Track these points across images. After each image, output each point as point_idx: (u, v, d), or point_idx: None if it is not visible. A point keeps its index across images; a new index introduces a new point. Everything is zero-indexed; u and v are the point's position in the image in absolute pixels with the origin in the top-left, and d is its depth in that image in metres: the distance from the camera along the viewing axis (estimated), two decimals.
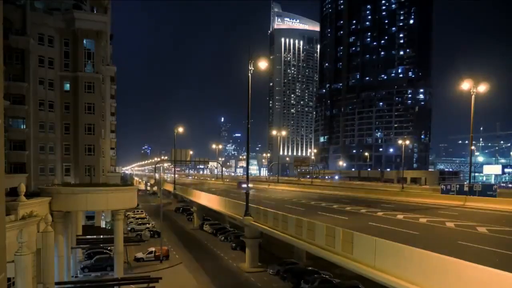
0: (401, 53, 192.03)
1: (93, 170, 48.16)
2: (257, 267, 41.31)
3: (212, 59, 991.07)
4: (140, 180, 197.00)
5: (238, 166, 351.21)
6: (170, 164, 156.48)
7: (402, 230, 25.95)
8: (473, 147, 71.36)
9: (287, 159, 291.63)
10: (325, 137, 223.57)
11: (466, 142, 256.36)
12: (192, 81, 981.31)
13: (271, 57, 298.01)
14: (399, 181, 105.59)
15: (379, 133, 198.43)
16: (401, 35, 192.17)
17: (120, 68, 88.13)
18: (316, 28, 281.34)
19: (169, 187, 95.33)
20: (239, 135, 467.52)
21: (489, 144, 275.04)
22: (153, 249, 45.12)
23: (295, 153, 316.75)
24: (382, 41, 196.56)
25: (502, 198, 42.25)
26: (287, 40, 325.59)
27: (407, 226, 28.02)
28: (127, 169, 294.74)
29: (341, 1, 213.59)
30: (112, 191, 31.61)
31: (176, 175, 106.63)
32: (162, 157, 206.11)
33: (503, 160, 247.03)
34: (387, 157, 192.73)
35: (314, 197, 55.90)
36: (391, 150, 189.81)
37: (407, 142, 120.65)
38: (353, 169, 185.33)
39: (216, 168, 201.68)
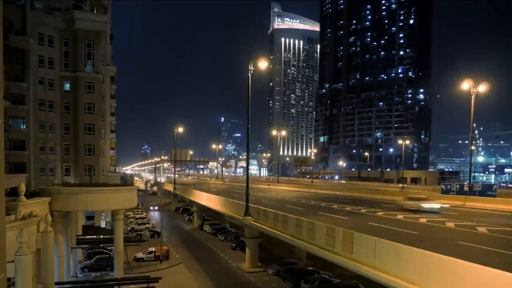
0: (401, 53, 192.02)
1: (93, 170, 48.15)
2: (257, 267, 41.31)
3: (212, 58, 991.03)
4: (140, 180, 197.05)
5: (238, 166, 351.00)
6: (170, 164, 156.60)
7: (402, 230, 25.94)
8: (473, 147, 71.39)
9: (287, 159, 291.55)
10: (325, 137, 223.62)
11: (466, 142, 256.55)
12: (192, 81, 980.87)
13: (271, 57, 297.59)
14: (399, 181, 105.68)
15: (379, 133, 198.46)
16: (401, 35, 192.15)
17: (120, 68, 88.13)
18: (316, 28, 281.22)
19: (169, 187, 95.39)
20: (239, 135, 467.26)
21: (489, 144, 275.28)
22: (153, 249, 45.13)
23: (295, 153, 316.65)
24: (382, 41, 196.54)
25: (502, 198, 42.24)
26: (287, 40, 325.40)
27: (407, 226, 28.02)
28: (127, 169, 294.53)
29: (341, 1, 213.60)
30: (112, 191, 31.66)
31: (176, 175, 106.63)
32: (162, 157, 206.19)
33: (503, 160, 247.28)
34: (387, 157, 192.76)
35: (314, 197, 55.88)
36: (391, 150, 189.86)
37: (407, 142, 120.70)
38: (353, 169, 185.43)
39: (216, 168, 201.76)
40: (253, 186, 69.93)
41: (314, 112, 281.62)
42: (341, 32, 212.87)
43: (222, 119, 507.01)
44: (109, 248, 41.38)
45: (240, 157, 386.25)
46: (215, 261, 45.45)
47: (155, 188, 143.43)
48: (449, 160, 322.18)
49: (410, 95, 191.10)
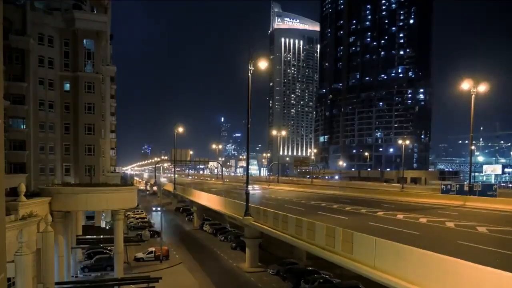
0: (401, 53, 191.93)
1: (93, 170, 48.16)
2: (257, 267, 41.31)
3: (212, 58, 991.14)
4: (140, 180, 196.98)
5: (238, 166, 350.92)
6: (170, 164, 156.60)
7: (402, 230, 25.93)
8: (473, 147, 71.31)
9: (287, 159, 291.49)
10: (325, 137, 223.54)
11: (466, 142, 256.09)
12: (192, 81, 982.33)
13: (271, 57, 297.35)
14: (399, 181, 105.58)
15: (379, 133, 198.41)
16: (401, 35, 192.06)
17: (120, 68, 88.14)
18: (316, 28, 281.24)
19: (169, 187, 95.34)
20: (239, 135, 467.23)
21: (489, 144, 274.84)
22: (153, 249, 45.13)
23: (295, 153, 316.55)
24: (382, 41, 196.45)
25: (502, 198, 42.23)
26: (287, 40, 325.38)
27: (407, 226, 28.00)
28: (127, 169, 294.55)
29: (341, 1, 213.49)
30: (112, 191, 31.65)
31: (176, 175, 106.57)
32: (162, 157, 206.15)
33: (503, 160, 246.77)
34: (387, 157, 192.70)
35: (314, 197, 55.86)
36: (391, 150, 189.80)
37: (407, 142, 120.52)
38: (353, 169, 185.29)
39: (216, 168, 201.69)
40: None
41: (314, 112, 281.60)
42: (341, 32, 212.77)
43: (222, 119, 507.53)
44: (109, 248, 41.38)
45: (240, 157, 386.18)
46: (215, 261, 45.45)
47: (155, 188, 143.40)
48: (449, 160, 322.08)
49: (410, 95, 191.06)
